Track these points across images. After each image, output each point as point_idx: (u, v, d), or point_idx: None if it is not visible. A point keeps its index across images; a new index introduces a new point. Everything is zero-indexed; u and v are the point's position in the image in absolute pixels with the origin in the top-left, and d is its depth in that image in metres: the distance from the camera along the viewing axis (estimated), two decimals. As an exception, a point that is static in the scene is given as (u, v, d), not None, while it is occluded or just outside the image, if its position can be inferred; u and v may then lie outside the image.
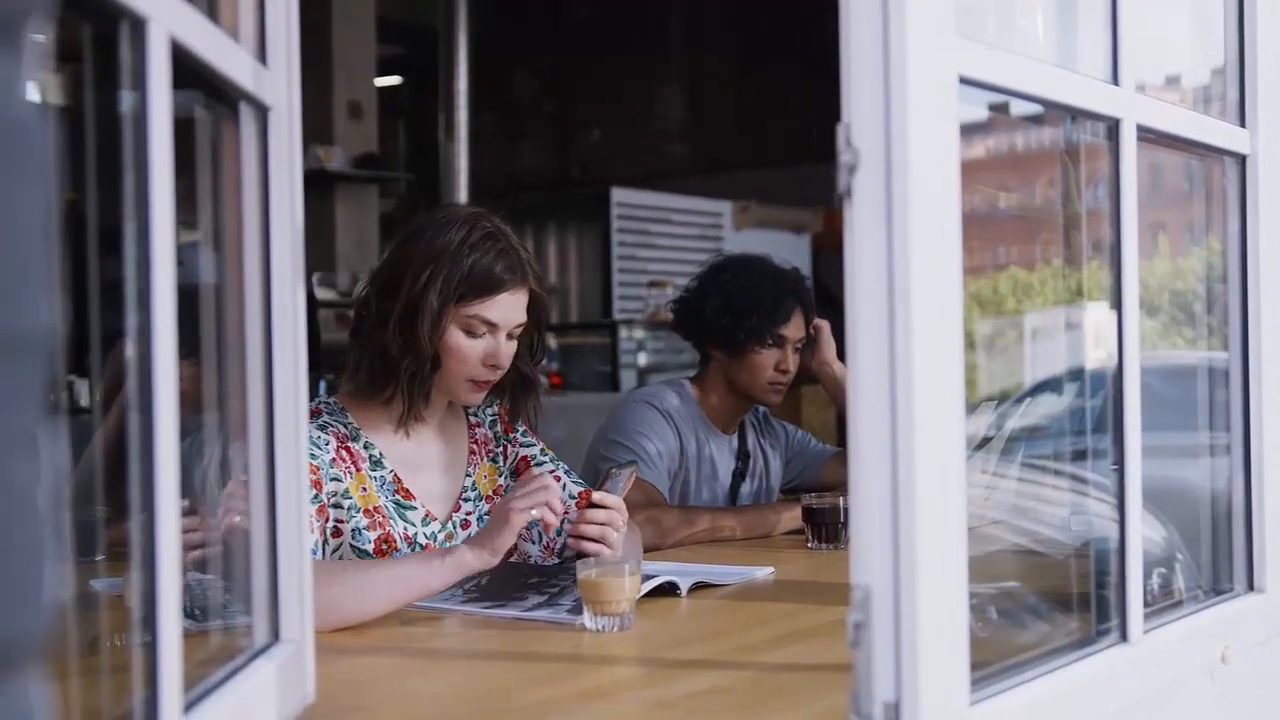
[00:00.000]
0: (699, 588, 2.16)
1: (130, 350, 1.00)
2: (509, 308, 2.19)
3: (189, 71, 1.11)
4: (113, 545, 1.23)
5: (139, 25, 0.98)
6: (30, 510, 0.58)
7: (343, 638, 1.82)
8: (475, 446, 2.35)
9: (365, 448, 2.19)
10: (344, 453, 2.15)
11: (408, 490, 2.21)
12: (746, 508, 2.97)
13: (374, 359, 2.18)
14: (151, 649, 0.99)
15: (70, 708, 1.11)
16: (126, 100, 1.01)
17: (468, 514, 2.29)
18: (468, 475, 2.32)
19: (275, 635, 1.35)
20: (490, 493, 2.34)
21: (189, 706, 1.08)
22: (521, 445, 2.40)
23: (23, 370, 0.57)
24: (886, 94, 1.16)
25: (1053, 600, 1.69)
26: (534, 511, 1.94)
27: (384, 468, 2.20)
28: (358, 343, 2.21)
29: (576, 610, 1.88)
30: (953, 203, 1.20)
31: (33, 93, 0.59)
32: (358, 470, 2.16)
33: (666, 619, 1.99)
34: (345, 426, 2.19)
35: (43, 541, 0.59)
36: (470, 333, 2.17)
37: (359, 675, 1.67)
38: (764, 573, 2.32)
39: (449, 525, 2.25)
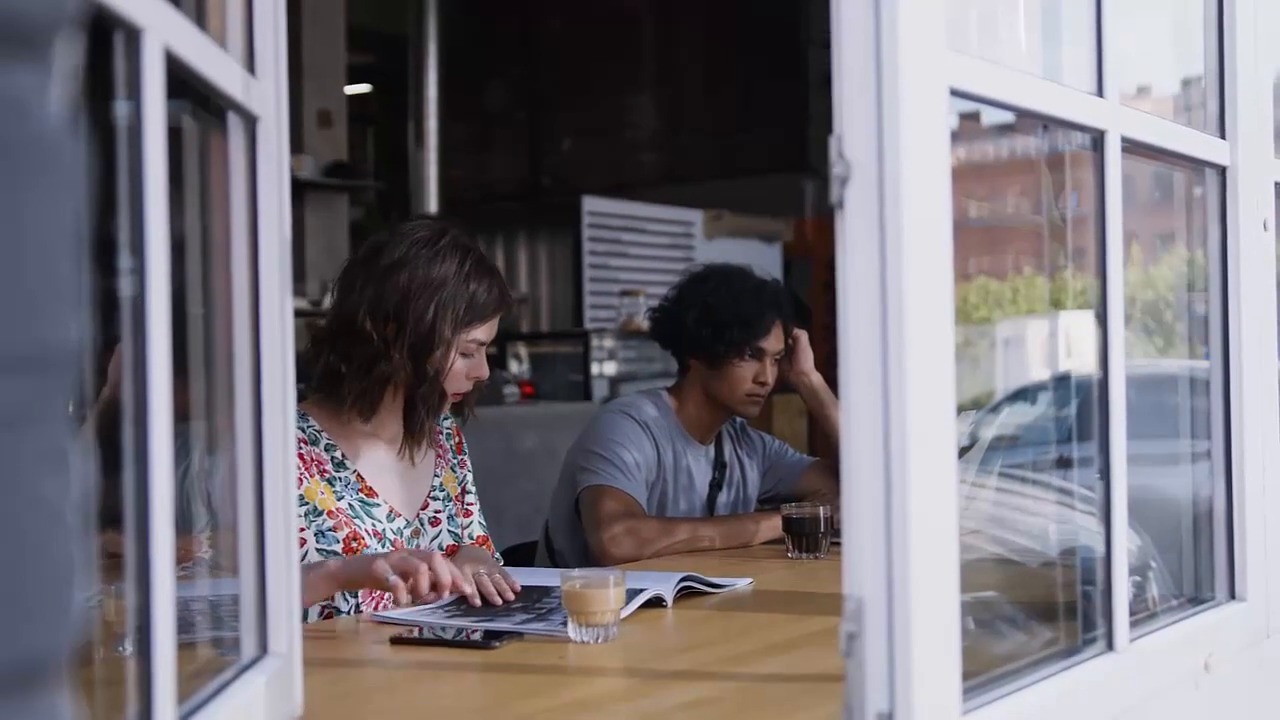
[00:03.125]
0: (684, 595, 2.16)
1: (125, 361, 0.99)
2: (495, 327, 2.32)
3: (178, 80, 1.10)
4: (96, 557, 1.22)
5: (134, 35, 0.98)
6: (61, 526, 0.57)
7: (330, 652, 1.82)
8: (440, 450, 2.44)
9: (326, 450, 2.25)
10: (298, 459, 2.18)
11: (371, 488, 2.27)
12: (726, 518, 2.97)
13: (378, 385, 2.24)
14: (145, 662, 0.98)
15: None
16: (120, 110, 1.00)
17: (437, 511, 2.38)
18: (435, 475, 2.40)
19: (263, 648, 1.34)
20: (455, 495, 2.44)
21: (181, 721, 1.07)
22: (467, 469, 2.51)
23: (52, 385, 0.57)
24: (879, 106, 1.16)
25: (1037, 610, 1.69)
26: (392, 578, 1.92)
27: (347, 469, 2.26)
28: (354, 369, 2.23)
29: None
30: (945, 214, 1.20)
31: (62, 105, 0.59)
32: (312, 476, 2.21)
33: (650, 630, 1.99)
34: (304, 430, 2.22)
35: (72, 557, 0.58)
36: (465, 354, 2.28)
37: (346, 689, 1.66)
38: (744, 583, 2.32)
39: (416, 522, 2.33)
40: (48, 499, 0.57)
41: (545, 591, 2.15)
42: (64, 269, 0.57)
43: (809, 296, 7.06)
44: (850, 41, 1.16)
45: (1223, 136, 1.81)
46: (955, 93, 1.24)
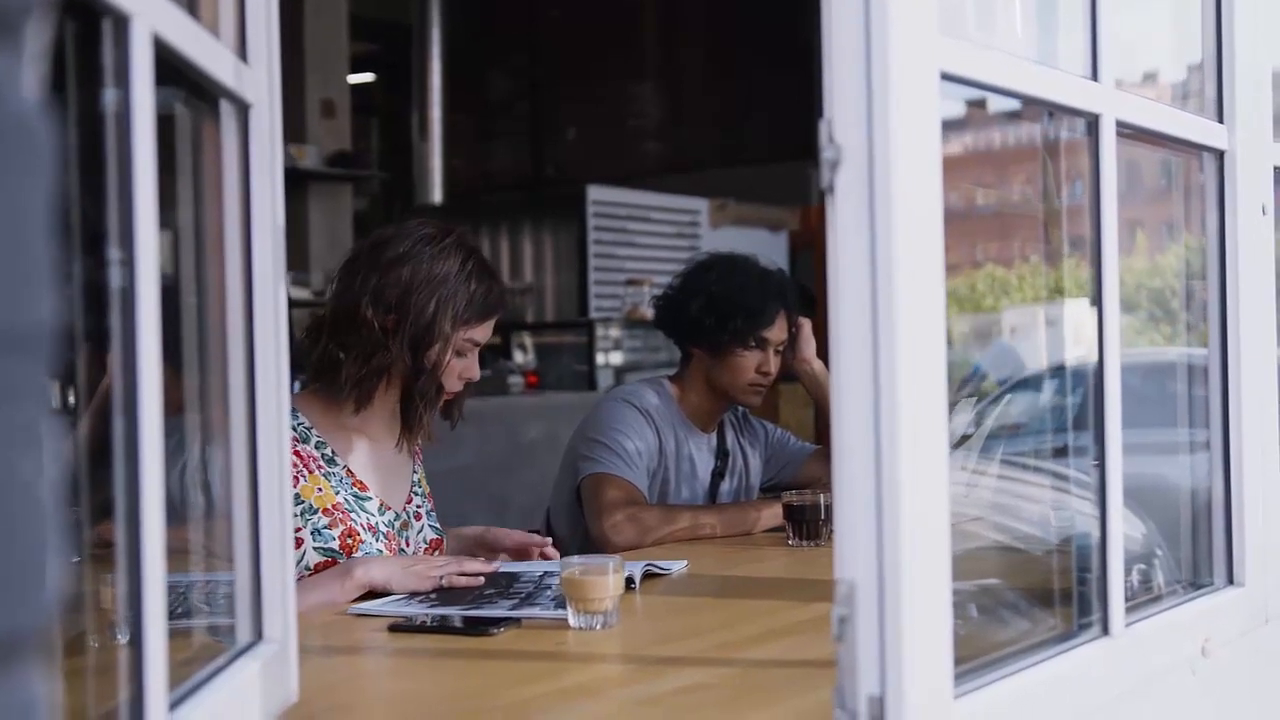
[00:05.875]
0: (649, 577, 2.20)
1: (114, 352, 0.99)
2: (491, 329, 2.35)
3: (169, 68, 1.10)
4: (92, 546, 1.23)
5: (122, 22, 0.98)
6: (34, 504, 0.58)
7: (326, 638, 1.82)
8: (417, 449, 2.48)
9: (317, 447, 2.28)
10: (293, 457, 2.20)
11: (362, 482, 2.30)
12: (727, 505, 2.97)
13: (374, 375, 2.26)
14: (137, 648, 0.99)
15: (53, 708, 1.10)
16: (108, 97, 1.00)
17: (418, 507, 2.43)
18: (415, 472, 2.45)
19: (258, 634, 1.35)
20: (428, 493, 2.48)
21: (173, 705, 1.07)
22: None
23: (26, 365, 0.57)
24: (869, 90, 1.16)
25: (1034, 595, 1.69)
26: (443, 581, 2.11)
27: (338, 464, 2.28)
28: (352, 358, 2.24)
29: (561, 604, 1.88)
30: (935, 199, 1.20)
31: (33, 88, 0.59)
32: (311, 472, 2.24)
33: (649, 616, 1.99)
34: (294, 429, 2.23)
35: (47, 536, 0.59)
36: (459, 353, 2.30)
37: (342, 675, 1.67)
38: (680, 566, 2.35)
39: (404, 515, 2.37)
40: (21, 476, 0.57)
41: (514, 578, 2.18)
42: (36, 251, 0.58)
43: (815, 285, 7.06)
44: (840, 25, 1.16)
45: (1221, 121, 1.80)
46: (947, 77, 1.23)
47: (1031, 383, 2.73)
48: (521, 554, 2.40)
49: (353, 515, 2.24)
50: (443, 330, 2.25)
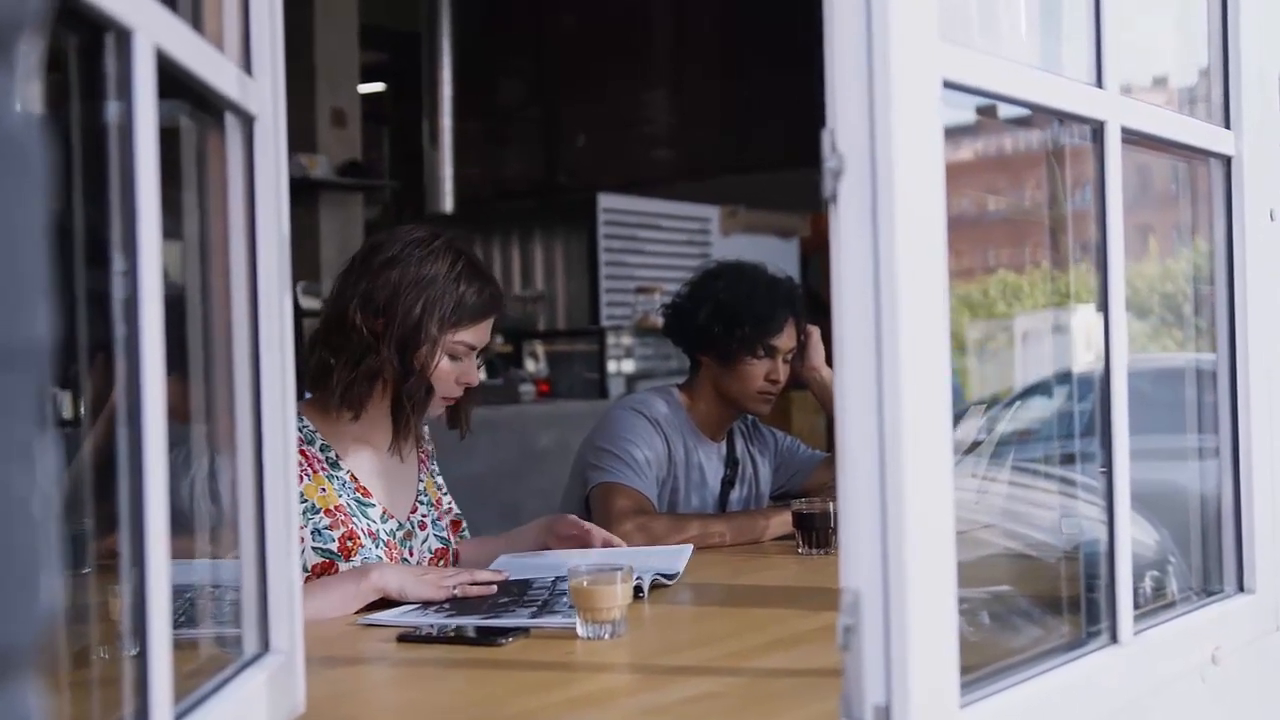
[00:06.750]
0: (656, 587, 2.19)
1: (118, 362, 0.99)
2: (488, 331, 2.34)
3: (173, 81, 1.11)
4: (100, 558, 1.23)
5: (124, 36, 0.98)
6: (27, 519, 0.58)
7: (333, 649, 1.82)
8: (423, 457, 2.47)
9: (322, 450, 2.28)
10: (298, 456, 2.21)
11: (365, 488, 2.31)
12: (736, 513, 2.97)
13: (364, 380, 2.25)
14: (142, 660, 0.99)
15: (60, 719, 1.11)
16: (111, 110, 1.01)
17: (423, 516, 2.42)
18: (420, 480, 2.44)
19: (265, 645, 1.35)
20: (435, 501, 2.47)
21: (179, 717, 1.08)
22: (438, 475, 2.53)
23: (20, 380, 0.57)
24: (870, 99, 1.16)
25: (1044, 602, 1.69)
26: (456, 591, 2.10)
27: (342, 469, 2.29)
28: (342, 362, 2.25)
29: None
30: (938, 207, 1.20)
31: (27, 104, 0.59)
32: (315, 473, 2.24)
33: (658, 625, 1.99)
34: (300, 431, 2.24)
35: (40, 550, 0.59)
36: (453, 357, 2.29)
37: (349, 686, 1.67)
38: (685, 551, 2.38)
39: (407, 524, 2.37)
40: (15, 492, 0.57)
41: (527, 585, 2.17)
42: (30, 266, 0.58)
43: (826, 292, 7.04)
44: (841, 33, 1.16)
45: (1228, 126, 1.80)
46: (949, 84, 1.23)
47: (1042, 389, 2.73)
48: (582, 543, 2.41)
49: (354, 519, 2.25)
50: (430, 332, 2.24)
